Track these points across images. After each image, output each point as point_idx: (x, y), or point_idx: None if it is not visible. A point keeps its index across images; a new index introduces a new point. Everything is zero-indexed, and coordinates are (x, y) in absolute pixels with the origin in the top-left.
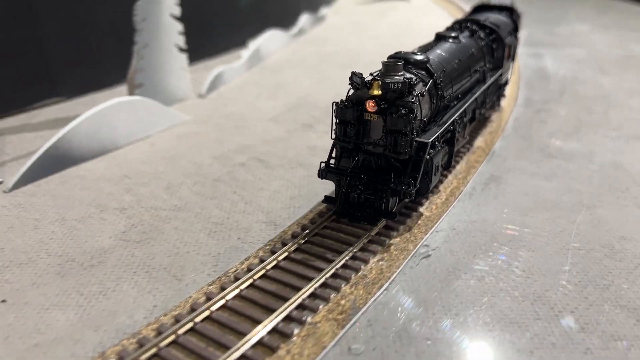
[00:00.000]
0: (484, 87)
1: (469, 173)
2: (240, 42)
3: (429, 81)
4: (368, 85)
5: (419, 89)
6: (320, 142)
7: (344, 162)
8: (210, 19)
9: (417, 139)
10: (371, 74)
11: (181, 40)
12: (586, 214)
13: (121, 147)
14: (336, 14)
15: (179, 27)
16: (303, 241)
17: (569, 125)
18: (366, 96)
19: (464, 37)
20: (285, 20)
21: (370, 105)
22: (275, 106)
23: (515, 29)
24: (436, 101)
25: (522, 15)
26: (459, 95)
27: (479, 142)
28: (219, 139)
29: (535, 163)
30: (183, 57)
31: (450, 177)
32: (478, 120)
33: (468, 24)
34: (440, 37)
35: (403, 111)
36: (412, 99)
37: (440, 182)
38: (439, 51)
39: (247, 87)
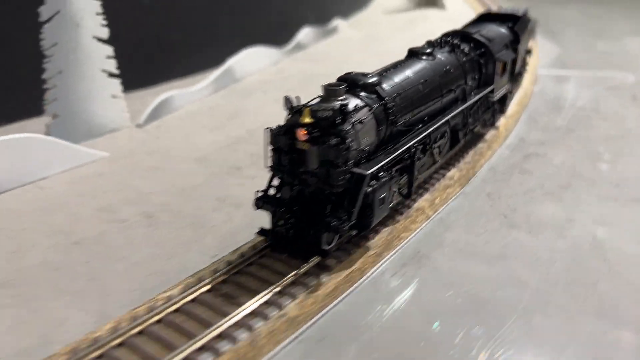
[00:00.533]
0: (463, 106)
1: (389, 247)
2: (217, 61)
3: (376, 106)
4: (299, 112)
5: (360, 115)
6: (237, 191)
7: (284, 191)
8: (177, 35)
9: (354, 169)
10: (320, 97)
11: (111, 65)
12: (514, 325)
13: (3, 193)
14: (353, 25)
15: (107, 50)
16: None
17: (558, 179)
18: (297, 124)
19: (441, 52)
20: (283, 35)
21: (301, 134)
22: (215, 140)
23: (515, 41)
24: (386, 128)
25: (532, 25)
26: (426, 118)
27: (423, 201)
28: (120, 184)
29: (485, 235)
30: (115, 83)
31: (356, 253)
32: (466, 141)
33: (449, 38)
34: (412, 54)
35: (334, 141)
36: (348, 127)
37: (399, 212)
38: (406, 70)
39: (198, 115)
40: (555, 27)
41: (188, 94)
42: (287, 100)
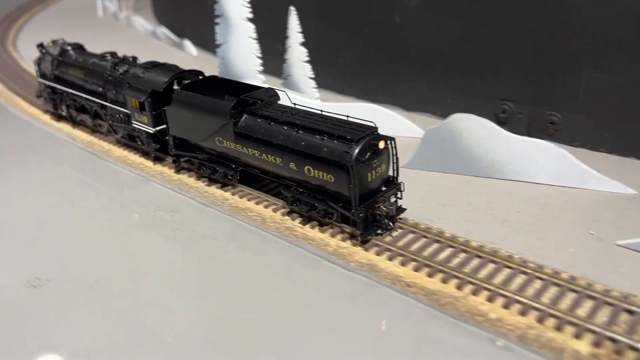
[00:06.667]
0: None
1: None
2: None
3: (54, 58)
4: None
5: (48, 56)
6: None
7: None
8: None
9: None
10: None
11: None
12: None
13: None
14: None
15: None
16: None
17: None
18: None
19: (111, 62)
20: None
21: None
22: None
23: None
24: (52, 69)
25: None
26: (79, 81)
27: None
28: None
29: None
30: None
31: None
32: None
33: (131, 61)
34: (104, 56)
35: (37, 59)
36: (40, 56)
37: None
38: (89, 56)
39: None
40: None
41: None
42: (40, 44)
